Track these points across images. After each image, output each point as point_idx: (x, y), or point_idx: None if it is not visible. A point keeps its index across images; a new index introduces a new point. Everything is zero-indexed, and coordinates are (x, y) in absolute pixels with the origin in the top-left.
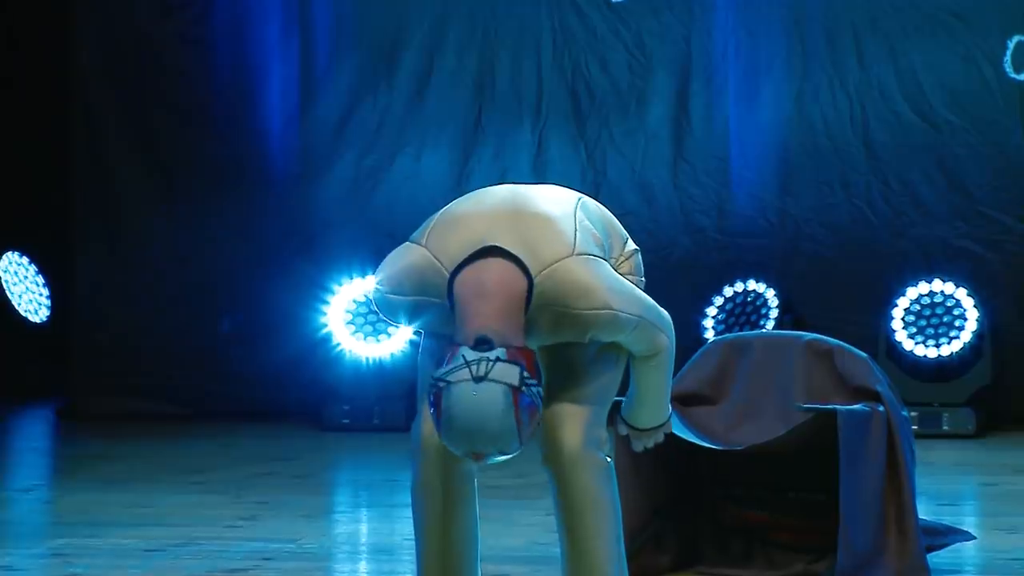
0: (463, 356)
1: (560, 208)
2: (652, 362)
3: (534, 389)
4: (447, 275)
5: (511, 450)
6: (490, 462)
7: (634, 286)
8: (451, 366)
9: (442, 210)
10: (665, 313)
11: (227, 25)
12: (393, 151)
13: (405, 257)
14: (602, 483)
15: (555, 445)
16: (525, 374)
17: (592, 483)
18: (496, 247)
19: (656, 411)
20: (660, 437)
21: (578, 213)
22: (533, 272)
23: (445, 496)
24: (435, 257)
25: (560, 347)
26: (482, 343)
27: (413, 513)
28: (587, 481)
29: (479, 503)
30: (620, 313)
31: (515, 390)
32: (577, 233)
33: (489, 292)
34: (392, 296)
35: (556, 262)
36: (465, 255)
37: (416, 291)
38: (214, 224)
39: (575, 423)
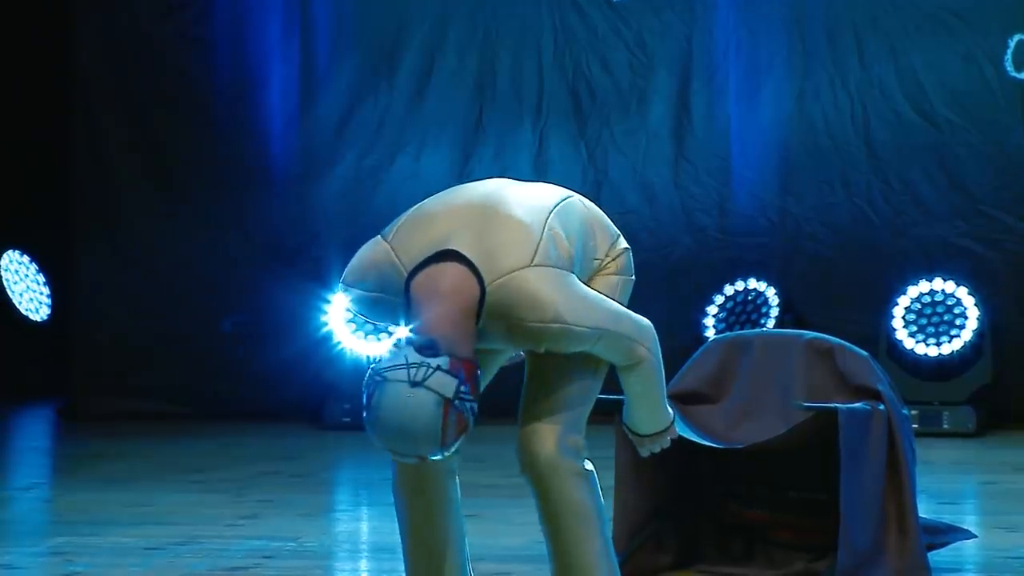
0: (405, 356)
1: (532, 214)
2: (634, 372)
3: (467, 404)
4: (405, 275)
5: (429, 456)
6: (405, 461)
7: (603, 297)
8: (392, 363)
9: (416, 206)
10: (644, 322)
11: (228, 25)
12: (394, 151)
13: (370, 252)
14: (581, 490)
15: (530, 454)
16: (463, 388)
17: (571, 491)
18: (455, 251)
19: (653, 418)
20: (666, 442)
21: (551, 220)
22: (487, 280)
23: (425, 495)
24: (396, 255)
25: (538, 354)
26: (427, 348)
27: (396, 513)
28: (566, 489)
29: (480, 503)
30: (573, 327)
31: (447, 402)
32: (541, 242)
33: (441, 296)
34: (354, 290)
35: (511, 272)
36: (424, 256)
37: (376, 287)
38: (214, 224)
39: (549, 432)
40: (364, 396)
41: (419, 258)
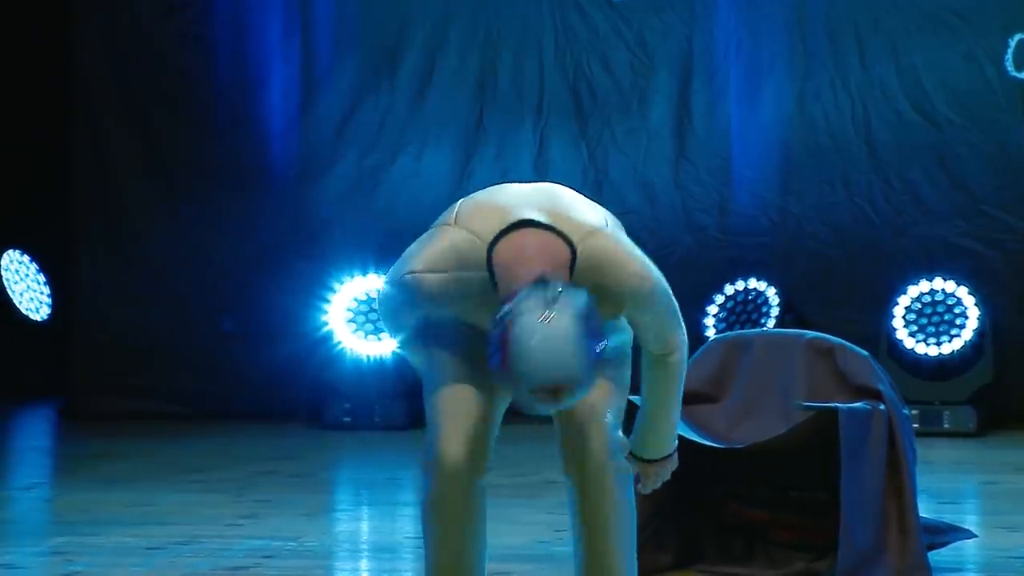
0: (527, 291)
1: (590, 203)
2: (663, 365)
3: (595, 323)
4: (485, 247)
5: (582, 379)
6: (553, 403)
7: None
8: (516, 300)
9: (463, 199)
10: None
11: (228, 24)
12: (395, 150)
13: (438, 239)
14: (625, 489)
15: (582, 452)
16: (587, 302)
17: (616, 489)
18: (530, 220)
19: (664, 434)
20: (667, 475)
21: (607, 212)
22: (574, 241)
23: (460, 512)
24: (470, 231)
25: None
26: (542, 281)
27: (424, 526)
28: (612, 487)
29: None
30: (659, 283)
31: (584, 317)
32: (608, 219)
33: (530, 257)
34: (429, 275)
35: (592, 230)
36: (500, 228)
37: (456, 267)
38: (215, 224)
39: (599, 430)
40: (497, 341)
41: (496, 230)
